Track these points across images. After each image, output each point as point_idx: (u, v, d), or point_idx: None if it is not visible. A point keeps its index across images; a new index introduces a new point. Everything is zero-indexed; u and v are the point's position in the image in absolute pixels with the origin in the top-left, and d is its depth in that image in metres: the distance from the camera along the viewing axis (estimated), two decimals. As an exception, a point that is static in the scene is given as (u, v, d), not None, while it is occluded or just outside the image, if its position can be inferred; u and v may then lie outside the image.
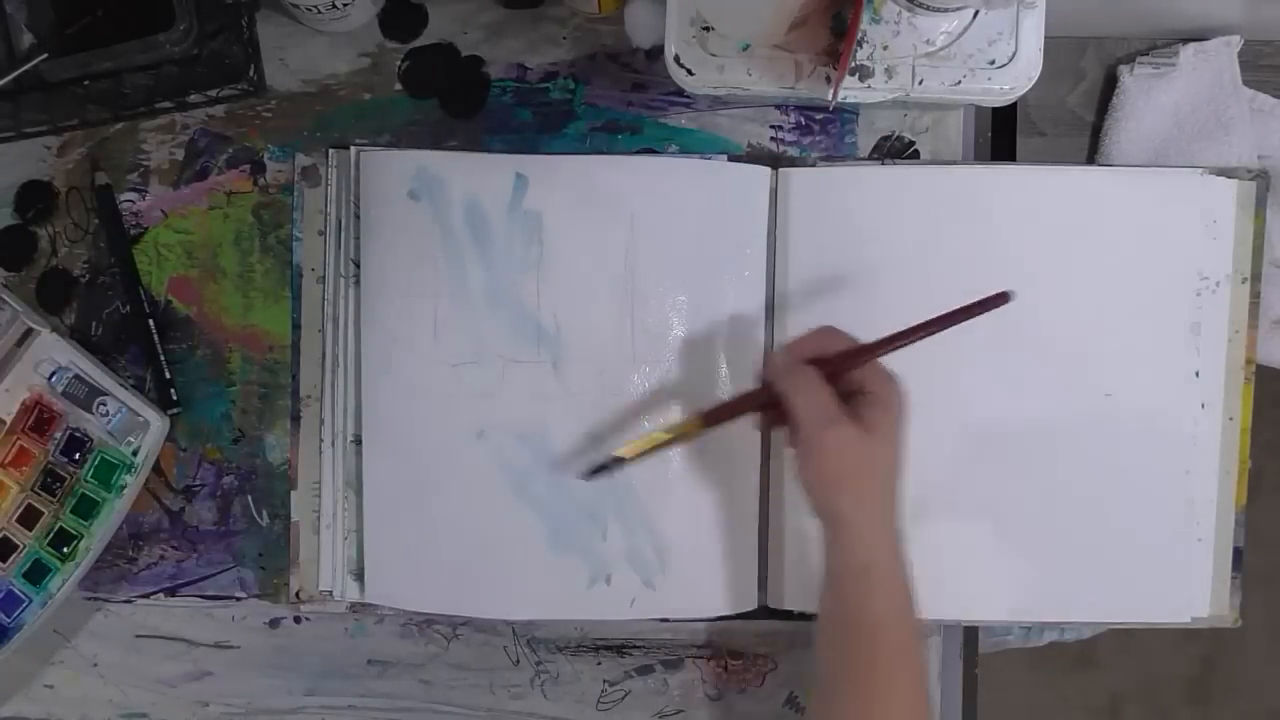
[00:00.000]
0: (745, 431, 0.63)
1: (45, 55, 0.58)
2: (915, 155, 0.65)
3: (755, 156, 0.65)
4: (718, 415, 0.57)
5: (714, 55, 0.57)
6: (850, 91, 0.57)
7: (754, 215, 0.63)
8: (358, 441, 0.64)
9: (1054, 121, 0.67)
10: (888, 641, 0.51)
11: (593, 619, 0.64)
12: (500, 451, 0.63)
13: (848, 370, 0.54)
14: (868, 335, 0.63)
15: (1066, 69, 0.67)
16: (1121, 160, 0.66)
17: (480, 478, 0.63)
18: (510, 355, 0.63)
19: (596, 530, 0.63)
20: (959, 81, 0.57)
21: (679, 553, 0.63)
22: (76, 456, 0.62)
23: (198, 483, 0.66)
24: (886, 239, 0.63)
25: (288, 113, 0.66)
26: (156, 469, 0.65)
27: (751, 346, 0.64)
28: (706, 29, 0.57)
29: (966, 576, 0.64)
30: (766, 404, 0.56)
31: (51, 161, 0.66)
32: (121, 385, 0.63)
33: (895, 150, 0.66)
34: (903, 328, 0.54)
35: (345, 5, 0.62)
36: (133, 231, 0.66)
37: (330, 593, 0.65)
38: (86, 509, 0.62)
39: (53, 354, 0.63)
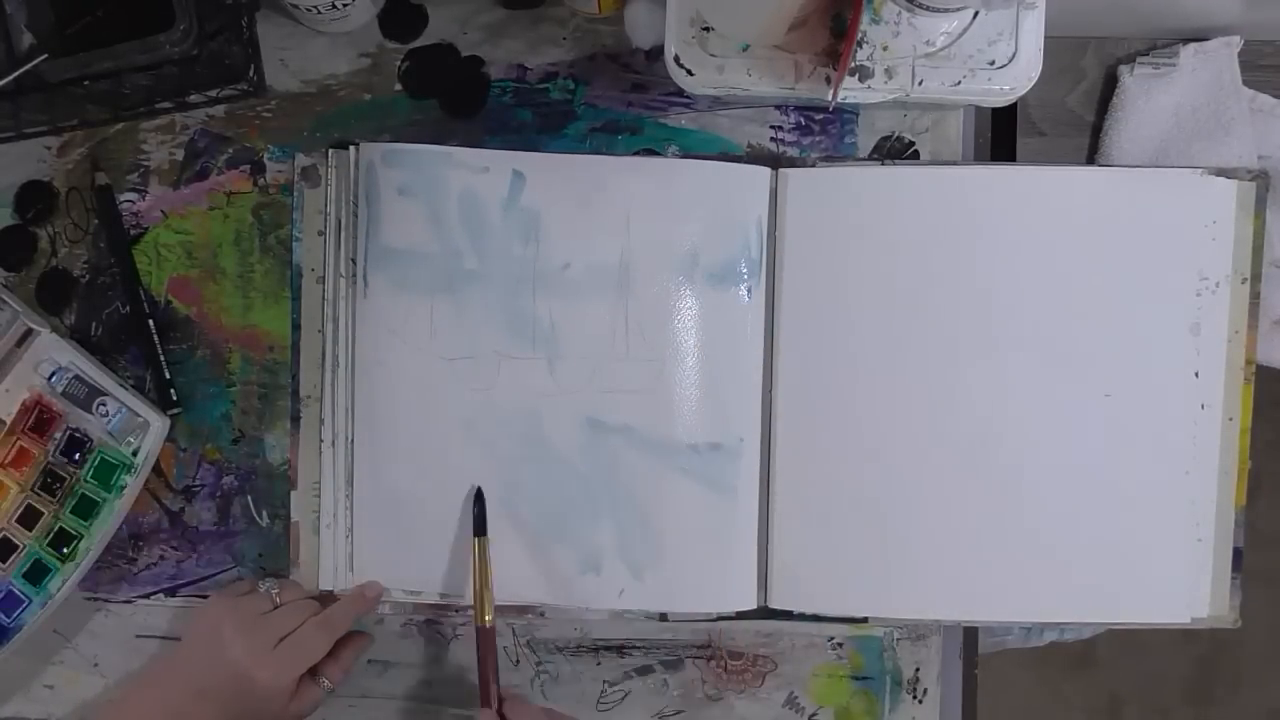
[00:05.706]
0: (745, 431, 0.63)
1: (45, 55, 0.58)
2: (915, 155, 0.65)
3: (755, 157, 0.65)
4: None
5: (714, 55, 0.57)
6: (850, 92, 0.57)
7: (754, 215, 0.63)
8: (358, 441, 0.64)
9: (1054, 121, 0.67)
10: None
11: (582, 606, 0.64)
12: (492, 444, 0.63)
13: None
14: (868, 337, 0.63)
15: (1066, 69, 0.67)
16: (1121, 160, 0.65)
17: (471, 468, 0.63)
18: (505, 351, 0.63)
19: (587, 522, 0.63)
20: (959, 82, 0.57)
21: (671, 548, 0.63)
22: (76, 457, 0.62)
23: (198, 483, 0.66)
24: (886, 239, 0.63)
25: (288, 113, 0.66)
26: (156, 469, 0.65)
27: (750, 348, 0.64)
28: (706, 29, 0.57)
29: (967, 576, 0.64)
30: None
31: (51, 161, 0.66)
32: (121, 385, 0.63)
33: (895, 150, 0.66)
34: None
35: (345, 5, 0.62)
36: (133, 232, 0.66)
37: (331, 593, 0.65)
38: (86, 509, 0.62)
39: (53, 354, 0.63)
